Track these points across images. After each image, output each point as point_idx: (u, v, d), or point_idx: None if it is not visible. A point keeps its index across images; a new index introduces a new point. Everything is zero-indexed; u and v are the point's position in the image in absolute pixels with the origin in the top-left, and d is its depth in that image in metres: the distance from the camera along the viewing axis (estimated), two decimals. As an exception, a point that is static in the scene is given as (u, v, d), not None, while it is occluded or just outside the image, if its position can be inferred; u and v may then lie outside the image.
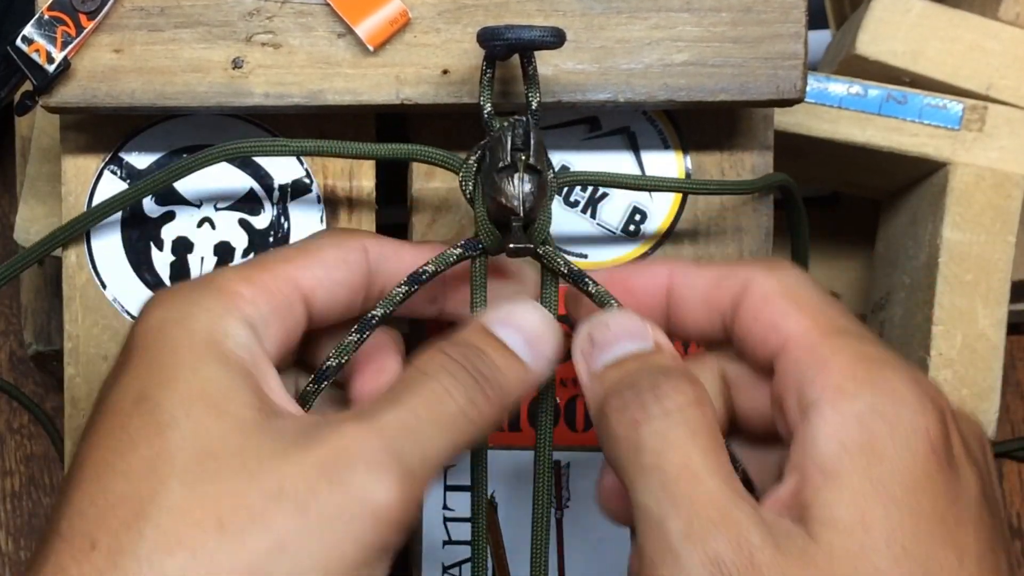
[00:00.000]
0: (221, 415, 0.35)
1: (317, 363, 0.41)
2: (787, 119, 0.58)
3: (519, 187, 0.41)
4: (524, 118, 0.42)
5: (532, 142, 0.41)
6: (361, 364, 0.43)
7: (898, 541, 0.33)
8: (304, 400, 0.41)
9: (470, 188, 0.43)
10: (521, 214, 0.41)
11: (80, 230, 0.49)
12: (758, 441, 0.41)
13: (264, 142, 0.46)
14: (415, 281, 0.42)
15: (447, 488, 0.50)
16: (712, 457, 0.35)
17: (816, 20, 0.47)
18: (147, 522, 0.33)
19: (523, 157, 0.41)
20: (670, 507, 0.34)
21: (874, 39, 0.59)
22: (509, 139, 0.41)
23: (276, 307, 0.39)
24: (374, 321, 0.41)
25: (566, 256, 0.43)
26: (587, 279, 0.42)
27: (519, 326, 0.39)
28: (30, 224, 0.60)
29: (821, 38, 0.69)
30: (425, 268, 0.42)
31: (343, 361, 0.41)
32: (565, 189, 0.50)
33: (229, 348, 0.37)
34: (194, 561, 0.33)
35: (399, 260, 0.42)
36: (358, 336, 0.41)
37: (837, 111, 0.60)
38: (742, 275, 0.39)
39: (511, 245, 0.42)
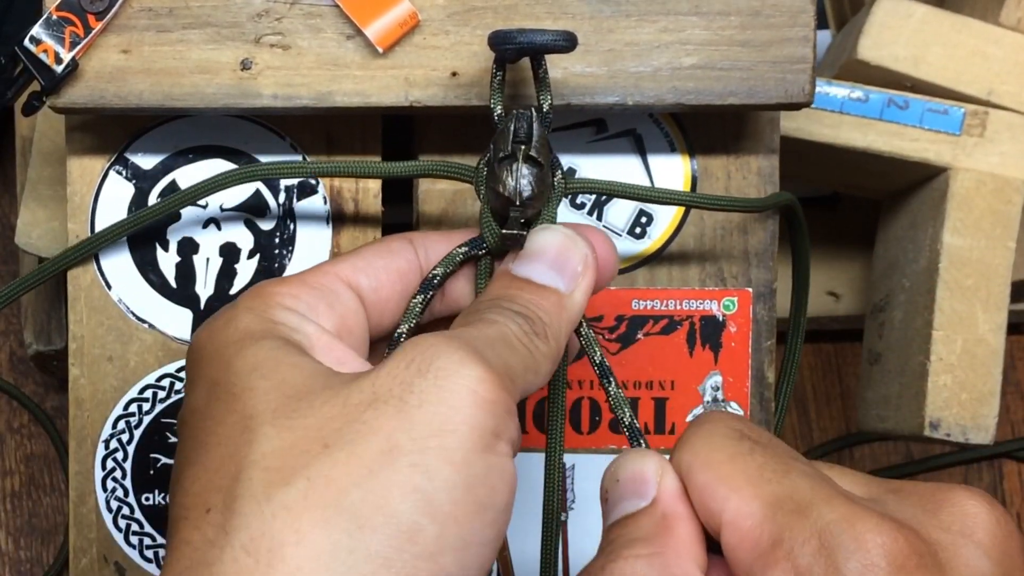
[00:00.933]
0: (294, 368, 0.35)
1: None
2: (788, 123, 0.58)
3: (516, 176, 0.41)
4: (528, 111, 0.42)
5: (535, 134, 0.41)
6: None
7: None
8: None
9: (483, 191, 0.43)
10: (518, 203, 0.41)
11: (88, 252, 0.49)
12: None
13: (275, 166, 0.46)
14: (429, 287, 0.42)
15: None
16: None
17: (816, 20, 0.47)
18: (253, 467, 0.33)
19: (523, 148, 0.41)
20: None
21: (876, 44, 0.60)
22: (512, 130, 0.41)
23: (319, 295, 0.39)
24: (402, 339, 0.41)
25: (595, 341, 0.43)
26: (611, 378, 0.42)
27: (538, 254, 0.40)
28: (31, 228, 0.60)
29: (821, 39, 0.69)
30: (435, 272, 0.42)
31: (412, 324, 0.41)
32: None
33: (282, 331, 0.37)
34: (310, 483, 0.32)
35: (449, 243, 0.42)
36: (423, 296, 0.42)
37: (838, 116, 0.60)
38: (676, 460, 0.37)
39: (503, 231, 0.41)
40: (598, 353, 0.42)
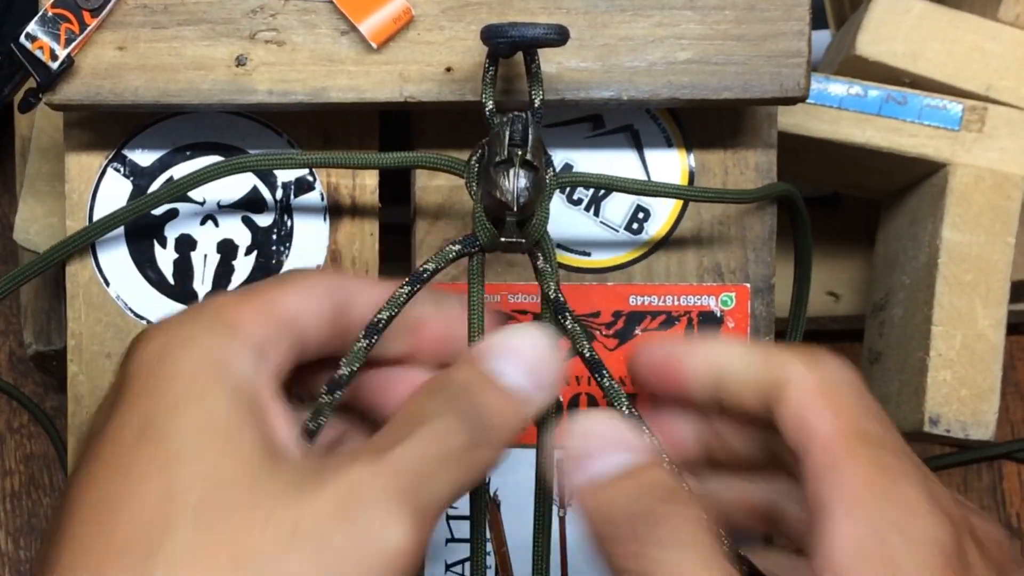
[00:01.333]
0: (230, 451, 0.34)
1: (305, 397, 0.40)
2: (787, 119, 0.58)
3: (514, 182, 0.41)
4: (523, 114, 0.42)
5: (530, 138, 0.41)
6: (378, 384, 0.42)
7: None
8: (317, 414, 0.40)
9: (474, 186, 0.43)
10: (515, 208, 0.41)
11: (84, 243, 0.49)
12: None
13: (266, 157, 0.46)
14: (417, 280, 0.41)
15: (450, 486, 0.50)
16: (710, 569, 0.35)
17: (816, 20, 0.47)
18: (158, 566, 0.32)
19: (519, 152, 0.41)
20: None
21: (874, 40, 0.60)
22: (507, 134, 0.41)
23: (275, 331, 0.37)
24: (381, 324, 0.40)
25: (564, 263, 0.43)
26: (567, 311, 0.42)
27: (515, 355, 0.38)
28: (29, 224, 0.60)
29: (821, 38, 0.69)
30: (426, 267, 0.42)
31: (355, 369, 0.40)
32: (568, 188, 0.50)
33: (235, 377, 0.36)
34: None
35: (367, 295, 0.40)
36: (367, 341, 0.40)
37: (837, 111, 0.60)
38: (786, 367, 0.39)
39: (502, 239, 0.41)
40: (587, 347, 0.42)
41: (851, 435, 0.36)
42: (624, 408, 0.41)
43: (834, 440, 0.36)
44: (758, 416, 0.39)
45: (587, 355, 0.42)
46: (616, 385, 0.41)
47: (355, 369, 0.40)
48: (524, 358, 0.38)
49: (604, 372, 0.42)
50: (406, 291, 0.41)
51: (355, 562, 0.33)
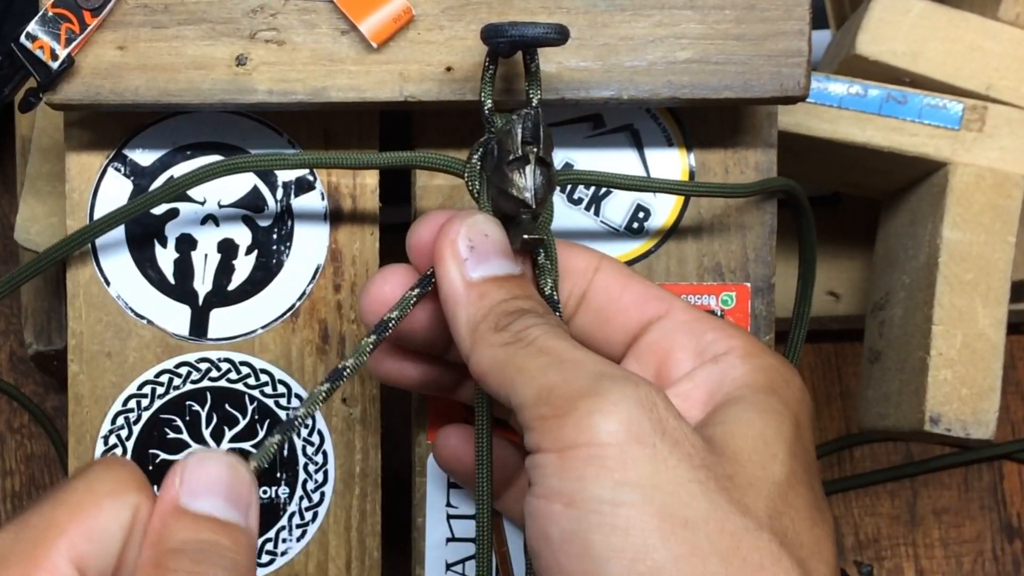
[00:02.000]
0: None
1: None
2: (787, 119, 0.58)
3: (531, 179, 0.41)
4: (532, 111, 0.42)
5: (542, 134, 0.41)
6: None
7: (787, 455, 0.38)
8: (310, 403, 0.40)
9: (476, 186, 0.43)
10: (533, 206, 0.41)
11: (84, 241, 0.49)
12: None
13: (266, 156, 0.46)
14: (427, 283, 0.42)
15: (451, 485, 0.50)
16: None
17: (816, 20, 0.47)
18: None
19: (534, 149, 0.41)
20: (560, 373, 0.37)
21: (874, 39, 0.60)
22: (519, 132, 0.41)
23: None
24: (391, 324, 0.42)
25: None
26: (559, 311, 0.43)
27: (211, 487, 0.36)
28: (30, 224, 0.60)
29: (821, 38, 0.69)
30: (389, 316, 0.42)
31: (362, 361, 0.41)
32: (569, 186, 0.50)
33: None
34: None
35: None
36: (376, 337, 0.41)
37: (837, 111, 0.60)
38: (666, 308, 0.43)
39: (525, 236, 0.42)
40: (549, 285, 0.43)
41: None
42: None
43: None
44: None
45: (547, 294, 0.43)
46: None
47: (362, 361, 0.41)
48: (222, 488, 0.36)
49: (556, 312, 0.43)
50: (416, 293, 0.42)
51: None
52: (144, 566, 0.34)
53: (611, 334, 0.43)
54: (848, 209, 0.72)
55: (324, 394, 0.40)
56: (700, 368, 0.41)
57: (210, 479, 0.36)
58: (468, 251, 0.40)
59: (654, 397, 0.36)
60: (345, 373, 0.40)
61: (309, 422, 0.50)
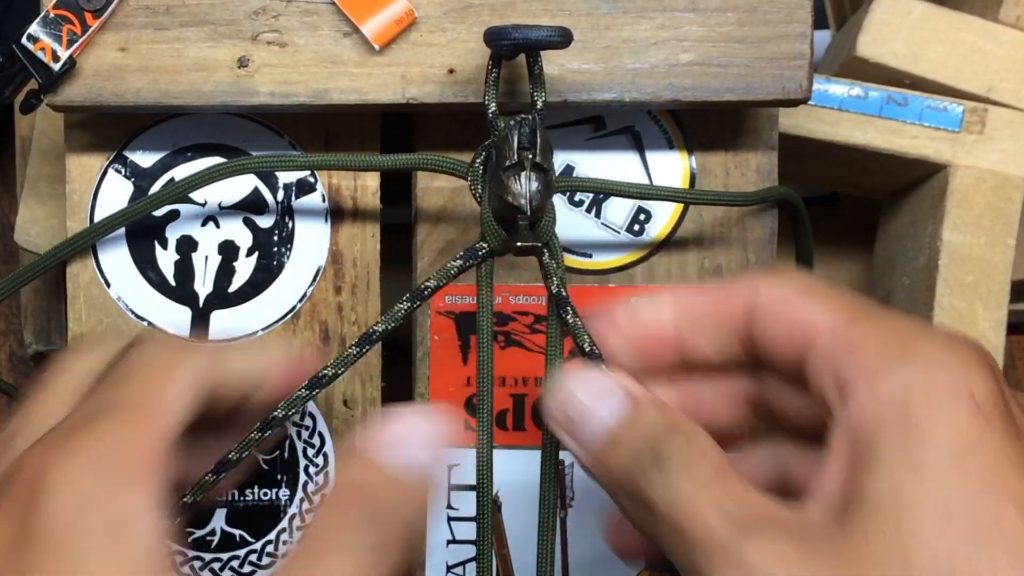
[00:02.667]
0: None
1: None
2: (788, 121, 0.58)
3: (526, 186, 0.41)
4: (530, 116, 0.42)
5: (539, 140, 0.41)
6: None
7: (940, 506, 0.31)
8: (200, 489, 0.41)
9: (478, 189, 0.43)
10: (528, 212, 0.41)
11: (85, 244, 0.49)
12: (812, 441, 0.39)
13: (268, 158, 0.47)
14: (418, 297, 0.42)
15: (451, 488, 0.50)
16: (718, 491, 0.34)
17: (816, 20, 0.47)
18: None
19: (530, 156, 0.41)
20: (691, 554, 0.34)
21: (875, 41, 0.60)
22: (516, 138, 0.41)
23: (165, 454, 0.36)
24: (375, 336, 0.42)
25: (565, 265, 0.42)
26: (568, 306, 0.41)
27: (400, 439, 0.37)
28: (31, 226, 0.60)
29: (821, 38, 0.69)
30: (427, 284, 0.42)
31: (340, 371, 0.41)
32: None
33: (136, 544, 0.34)
34: None
35: (237, 362, 0.40)
36: (357, 350, 0.42)
37: (838, 113, 0.60)
38: (747, 285, 0.38)
39: (518, 244, 0.42)
40: (587, 341, 0.41)
41: (851, 315, 0.35)
42: (586, 344, 0.41)
43: (836, 323, 0.35)
44: (731, 355, 0.39)
45: (554, 291, 0.42)
46: (579, 321, 0.41)
47: (390, 327, 0.42)
48: (413, 440, 0.37)
49: (569, 308, 0.41)
50: (405, 307, 0.42)
51: None
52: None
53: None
54: (848, 209, 0.72)
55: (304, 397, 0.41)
56: (835, 426, 0.35)
57: (401, 434, 0.37)
58: (572, 422, 0.38)
59: None
60: (325, 382, 0.41)
61: (309, 423, 0.50)
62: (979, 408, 0.32)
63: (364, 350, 0.42)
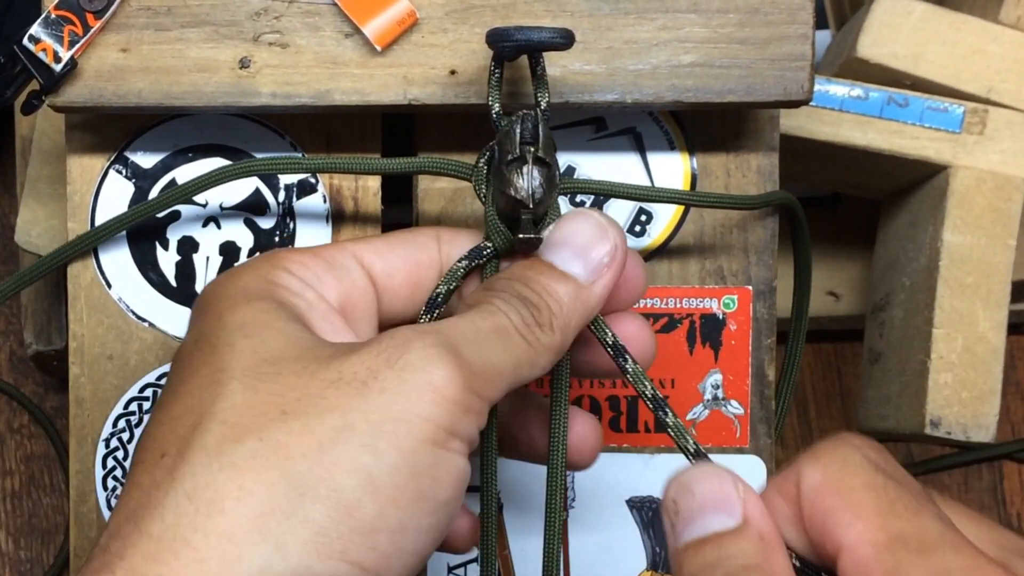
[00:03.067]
0: (277, 332, 0.36)
1: None
2: (789, 122, 0.58)
3: (528, 179, 0.41)
4: (533, 112, 0.42)
5: (541, 135, 0.41)
6: None
7: None
8: None
9: (483, 190, 0.43)
10: (531, 206, 0.41)
11: (87, 247, 0.48)
12: None
13: (272, 160, 0.46)
14: (433, 307, 0.42)
15: (452, 488, 0.50)
16: None
17: (816, 21, 0.47)
18: (212, 420, 0.34)
19: (532, 150, 0.41)
20: None
21: (875, 42, 0.60)
22: (518, 132, 0.41)
23: (327, 267, 0.40)
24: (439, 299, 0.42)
25: (643, 374, 0.41)
26: (667, 408, 0.41)
27: (565, 240, 0.40)
28: (31, 226, 0.60)
29: (821, 38, 0.69)
30: (438, 291, 0.42)
31: None
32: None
33: (281, 294, 0.38)
34: (262, 444, 0.34)
35: (475, 241, 0.43)
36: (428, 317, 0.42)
37: (838, 114, 0.60)
38: (793, 471, 0.36)
39: (520, 235, 0.41)
40: (609, 334, 0.41)
41: (879, 542, 0.33)
42: (690, 445, 0.40)
43: (861, 550, 0.33)
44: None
45: (611, 341, 0.42)
46: (680, 422, 0.40)
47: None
48: (575, 243, 0.40)
49: (627, 357, 0.41)
50: (426, 319, 0.42)
51: (400, 396, 0.34)
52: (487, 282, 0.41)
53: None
54: (848, 209, 0.72)
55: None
56: None
57: (568, 232, 0.40)
58: (675, 516, 0.36)
59: None
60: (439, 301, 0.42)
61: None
62: None
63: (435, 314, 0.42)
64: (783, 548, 0.35)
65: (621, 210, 0.51)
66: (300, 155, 0.49)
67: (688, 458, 0.40)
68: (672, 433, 0.40)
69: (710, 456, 0.40)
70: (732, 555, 0.35)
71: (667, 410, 0.41)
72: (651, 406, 0.41)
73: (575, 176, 0.50)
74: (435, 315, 0.42)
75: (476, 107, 0.46)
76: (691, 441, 0.40)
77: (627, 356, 0.41)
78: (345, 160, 0.46)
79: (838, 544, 0.33)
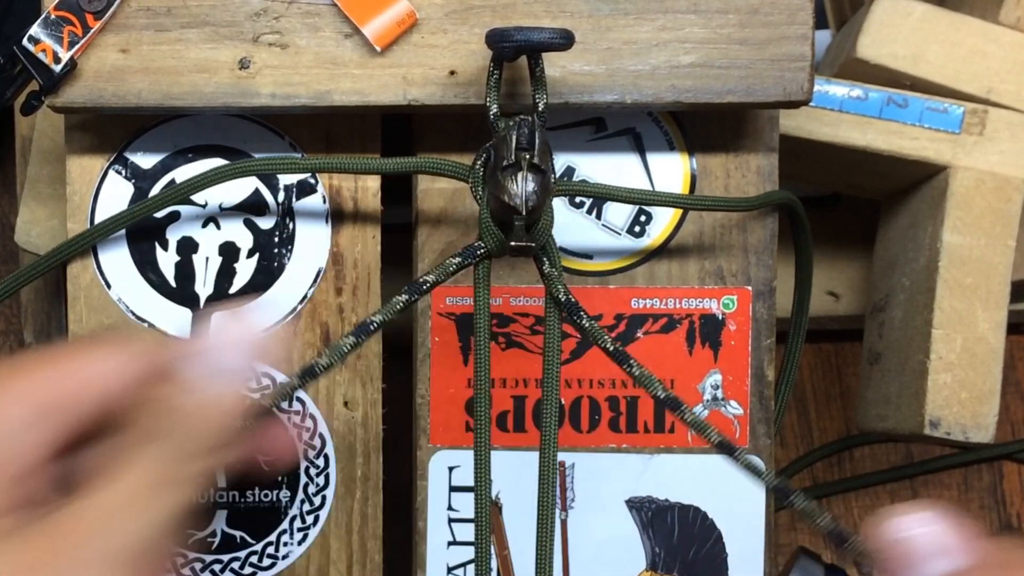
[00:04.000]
0: None
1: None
2: (788, 122, 0.58)
3: (522, 186, 0.41)
4: (529, 118, 0.42)
5: (537, 141, 0.41)
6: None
7: None
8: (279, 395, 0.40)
9: (480, 191, 0.43)
10: (524, 212, 0.41)
11: (86, 245, 0.49)
12: None
13: (269, 161, 0.46)
14: (416, 290, 0.42)
15: (452, 489, 0.50)
16: None
17: (816, 21, 0.47)
18: None
19: (527, 156, 0.41)
20: None
21: (875, 42, 0.59)
22: (514, 138, 0.41)
23: (33, 412, 0.35)
24: (372, 327, 0.41)
25: (566, 267, 0.42)
26: (582, 312, 0.42)
27: (200, 354, 0.36)
28: (31, 226, 0.60)
29: (821, 38, 0.69)
30: (426, 278, 0.42)
31: (335, 361, 0.40)
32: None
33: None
34: None
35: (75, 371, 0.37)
36: (354, 339, 0.41)
37: (838, 114, 0.60)
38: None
39: (512, 243, 0.42)
40: (608, 341, 0.41)
41: None
42: (659, 391, 0.41)
43: None
44: None
45: (611, 348, 0.42)
46: (646, 371, 0.41)
47: (335, 361, 0.40)
48: (207, 353, 0.36)
49: (632, 362, 0.41)
50: (404, 299, 0.41)
51: None
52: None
53: None
54: (848, 209, 0.72)
55: (351, 346, 0.41)
56: None
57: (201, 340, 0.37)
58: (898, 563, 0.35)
59: None
60: (371, 328, 0.41)
61: (310, 424, 0.50)
62: None
63: (360, 340, 0.41)
64: None
65: (620, 211, 0.51)
66: (299, 155, 0.49)
67: (657, 401, 0.41)
68: (695, 431, 0.40)
69: (713, 455, 0.40)
70: None
71: (683, 408, 0.41)
72: (669, 407, 0.41)
73: (574, 177, 0.50)
74: (415, 299, 0.41)
75: (476, 107, 0.46)
76: (659, 386, 0.41)
77: (631, 362, 0.41)
78: (342, 160, 0.46)
79: None
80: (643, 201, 0.48)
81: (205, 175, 0.46)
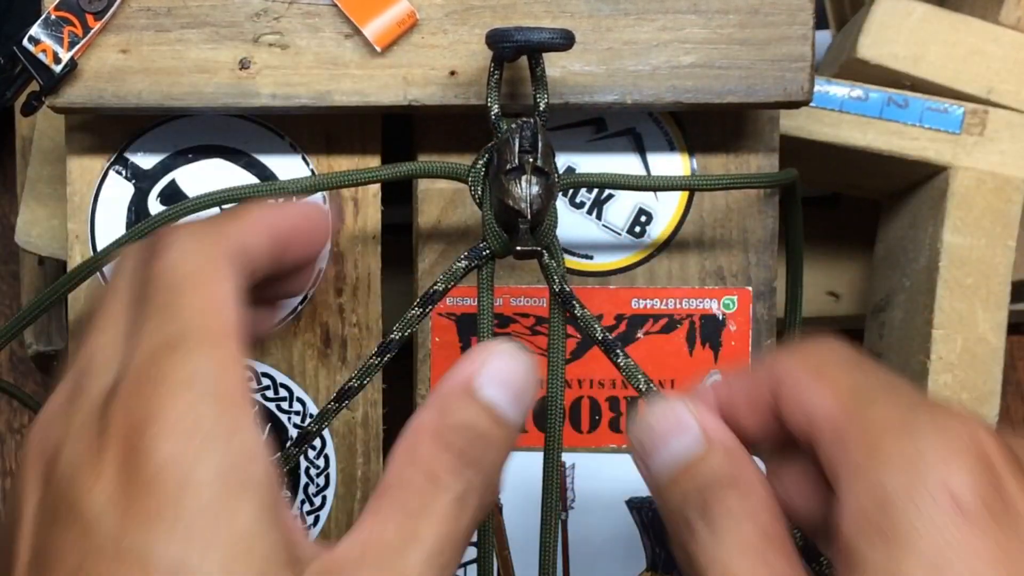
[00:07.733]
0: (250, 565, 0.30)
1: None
2: (788, 122, 0.58)
3: (526, 189, 0.41)
4: (532, 120, 0.42)
5: (540, 144, 0.41)
6: None
7: None
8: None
9: (479, 192, 0.43)
10: (528, 216, 0.41)
11: (92, 272, 0.48)
12: None
13: (270, 185, 0.45)
14: (428, 301, 0.42)
15: (452, 489, 0.50)
16: (758, 562, 0.33)
17: (816, 21, 0.47)
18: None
19: (531, 159, 0.41)
20: None
21: (875, 43, 0.60)
22: (517, 141, 0.41)
23: (248, 388, 0.33)
24: (393, 346, 0.42)
25: (567, 266, 0.42)
26: (575, 301, 0.42)
27: (505, 381, 0.35)
28: (31, 227, 0.60)
29: (822, 38, 0.69)
30: (435, 287, 0.42)
31: (406, 334, 0.42)
32: (571, 190, 0.50)
33: (255, 480, 0.31)
34: None
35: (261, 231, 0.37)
36: (420, 310, 0.42)
37: (838, 115, 0.60)
38: (771, 363, 0.36)
39: (518, 247, 0.42)
40: (599, 330, 0.42)
41: (850, 404, 0.33)
42: (642, 384, 0.41)
43: (833, 414, 0.33)
44: (779, 438, 0.37)
45: (600, 337, 0.42)
46: (632, 362, 0.41)
47: (406, 334, 0.42)
48: (514, 385, 0.35)
49: (619, 352, 0.42)
50: (417, 312, 0.42)
51: None
52: (424, 429, 0.34)
53: None
54: (848, 209, 0.72)
55: (373, 370, 0.42)
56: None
57: (506, 374, 0.35)
58: (644, 454, 0.37)
59: None
60: (391, 347, 0.42)
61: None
62: (961, 510, 0.30)
63: (384, 359, 0.42)
64: (748, 456, 0.36)
65: (621, 211, 0.51)
66: (300, 157, 0.49)
67: (640, 394, 0.41)
68: (624, 373, 0.41)
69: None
70: (706, 476, 0.35)
71: (618, 352, 0.41)
72: (602, 348, 0.42)
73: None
74: (428, 310, 0.42)
75: (477, 108, 0.46)
76: (642, 379, 0.41)
77: (619, 351, 0.42)
78: (341, 176, 0.45)
79: (814, 420, 0.34)
80: (646, 187, 0.48)
81: (204, 197, 0.45)
